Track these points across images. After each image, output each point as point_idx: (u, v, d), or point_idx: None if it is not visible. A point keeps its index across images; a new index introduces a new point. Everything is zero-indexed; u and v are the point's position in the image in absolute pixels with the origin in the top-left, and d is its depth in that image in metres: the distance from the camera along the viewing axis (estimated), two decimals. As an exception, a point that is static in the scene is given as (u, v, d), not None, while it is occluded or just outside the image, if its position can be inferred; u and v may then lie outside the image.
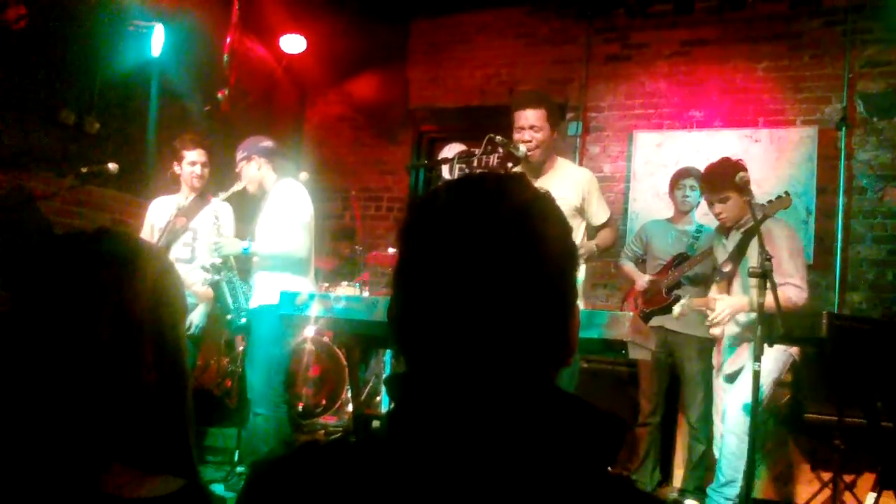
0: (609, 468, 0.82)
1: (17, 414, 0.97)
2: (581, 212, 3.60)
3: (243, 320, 4.11)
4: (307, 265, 4.00)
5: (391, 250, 5.94)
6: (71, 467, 0.96)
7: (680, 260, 4.52)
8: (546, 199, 0.89)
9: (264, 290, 3.91)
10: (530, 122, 3.49)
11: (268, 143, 4.11)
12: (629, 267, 4.80)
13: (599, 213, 3.68)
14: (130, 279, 1.05)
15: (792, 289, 3.53)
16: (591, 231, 3.75)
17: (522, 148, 3.45)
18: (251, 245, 3.95)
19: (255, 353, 3.96)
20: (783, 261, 3.59)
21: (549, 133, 3.54)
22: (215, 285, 4.07)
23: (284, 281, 3.82)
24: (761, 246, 3.36)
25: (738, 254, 3.78)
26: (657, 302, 4.52)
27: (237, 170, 4.11)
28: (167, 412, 1.06)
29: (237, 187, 4.11)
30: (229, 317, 4.10)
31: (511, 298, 0.81)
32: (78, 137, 5.03)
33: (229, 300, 4.09)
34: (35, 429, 0.96)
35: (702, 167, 5.49)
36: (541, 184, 3.46)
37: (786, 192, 4.00)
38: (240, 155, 4.08)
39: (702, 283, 4.53)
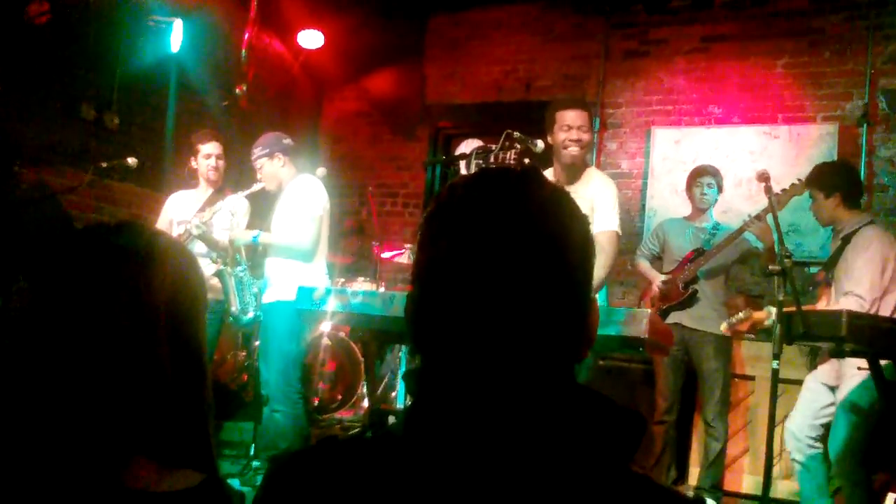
0: (629, 464, 0.82)
1: (37, 407, 0.98)
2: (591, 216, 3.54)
3: (249, 314, 4.13)
4: (314, 255, 4.05)
5: (408, 246, 5.95)
6: (92, 460, 0.96)
7: (696, 255, 4.49)
8: (564, 194, 0.89)
9: (275, 280, 4.01)
10: (578, 122, 3.45)
11: (289, 140, 4.17)
12: (645, 266, 4.76)
13: (598, 221, 3.44)
14: (149, 272, 1.05)
15: (853, 300, 3.42)
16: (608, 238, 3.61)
17: (540, 143, 3.43)
18: (261, 234, 4.04)
19: (271, 349, 3.99)
20: (854, 268, 3.50)
21: (591, 137, 3.54)
22: (220, 275, 4.09)
23: (292, 268, 3.92)
24: (780, 242, 3.34)
25: (833, 261, 3.72)
26: (674, 297, 4.49)
27: (257, 166, 4.13)
28: (186, 405, 1.06)
29: (257, 187, 4.14)
30: (233, 309, 4.11)
31: (531, 293, 0.81)
32: (98, 132, 5.08)
33: (233, 294, 4.10)
34: (54, 422, 0.97)
35: (720, 164, 5.48)
36: (573, 188, 3.43)
37: (798, 179, 4.00)
38: (260, 151, 4.11)
39: (721, 275, 4.49)
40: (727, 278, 4.58)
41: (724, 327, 3.78)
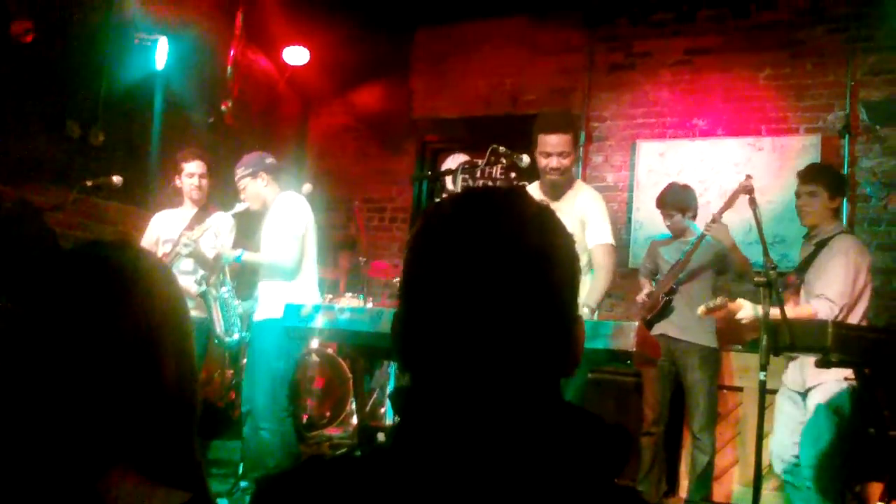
0: (616, 480, 0.82)
1: (18, 420, 0.97)
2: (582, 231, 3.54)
3: (234, 336, 4.13)
4: (298, 273, 4.04)
5: (396, 262, 5.94)
6: (68, 474, 0.96)
7: (675, 265, 4.50)
8: (549, 212, 0.89)
9: (265, 300, 4.00)
10: (559, 148, 3.46)
11: (272, 159, 4.18)
12: (642, 281, 4.79)
13: (592, 235, 3.50)
14: (142, 290, 1.05)
15: (824, 302, 3.42)
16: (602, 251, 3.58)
17: (526, 158, 3.45)
18: (244, 253, 4.05)
19: (258, 367, 3.98)
20: (828, 273, 3.50)
21: (575, 156, 3.55)
22: (203, 296, 4.08)
23: (282, 289, 3.91)
24: (765, 254, 3.35)
25: (805, 265, 3.71)
26: (653, 307, 4.51)
27: (240, 186, 4.14)
28: (176, 422, 1.05)
29: (241, 207, 4.14)
30: (218, 331, 4.11)
31: (517, 311, 0.82)
32: (83, 149, 5.05)
33: (217, 316, 4.09)
34: (34, 434, 0.97)
35: (704, 176, 5.50)
36: (559, 205, 3.45)
37: (749, 175, 3.94)
38: (243, 171, 4.11)
39: (702, 283, 4.45)
40: (713, 288, 4.58)
41: (701, 310, 3.73)
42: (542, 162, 3.49)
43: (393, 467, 0.81)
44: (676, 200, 4.59)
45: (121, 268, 1.06)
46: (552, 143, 3.47)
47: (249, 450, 4.04)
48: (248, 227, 4.50)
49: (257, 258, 4.07)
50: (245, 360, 4.65)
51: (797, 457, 3.57)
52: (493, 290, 0.81)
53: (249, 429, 3.94)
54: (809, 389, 3.53)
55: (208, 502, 1.05)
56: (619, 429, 0.83)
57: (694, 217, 4.63)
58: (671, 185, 4.74)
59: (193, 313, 4.22)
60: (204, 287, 4.05)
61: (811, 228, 3.76)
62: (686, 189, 4.68)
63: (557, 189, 3.55)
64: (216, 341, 4.19)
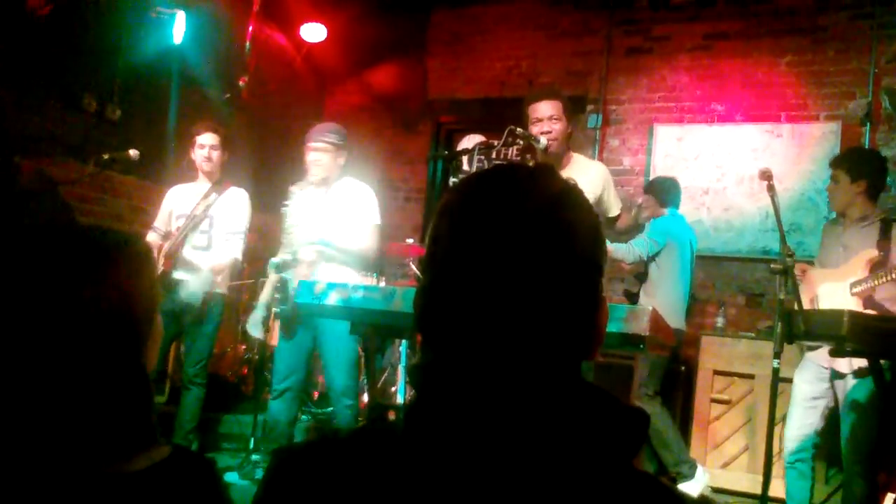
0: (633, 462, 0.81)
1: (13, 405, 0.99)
2: (598, 205, 3.56)
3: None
4: (372, 264, 4.13)
5: (409, 241, 5.94)
6: (74, 452, 0.98)
7: None
8: (576, 190, 0.89)
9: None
10: (548, 113, 3.44)
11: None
12: None
13: (613, 206, 3.63)
14: (133, 273, 1.09)
15: None
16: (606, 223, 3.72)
17: (543, 140, 3.42)
18: (324, 239, 3.94)
19: (339, 349, 3.92)
20: None
21: (566, 125, 3.51)
22: (281, 277, 3.94)
23: (348, 276, 3.92)
24: (783, 242, 3.32)
25: (884, 247, 3.59)
26: None
27: (315, 147, 4.02)
28: (143, 391, 1.09)
29: (313, 177, 4.03)
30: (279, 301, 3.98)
31: (542, 289, 0.81)
32: (99, 124, 5.06)
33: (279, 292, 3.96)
34: (27, 418, 0.98)
35: (721, 161, 5.45)
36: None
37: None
38: (330, 138, 4.03)
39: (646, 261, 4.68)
40: (651, 278, 4.73)
41: None
42: (534, 130, 3.46)
43: (411, 442, 0.81)
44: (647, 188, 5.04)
45: (115, 251, 1.08)
46: (541, 108, 3.47)
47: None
48: (258, 198, 4.48)
49: (340, 244, 3.95)
50: (257, 336, 4.57)
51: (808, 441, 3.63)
52: (518, 267, 0.81)
53: (342, 406, 3.95)
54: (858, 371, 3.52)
55: (186, 451, 1.09)
56: (637, 410, 0.82)
57: (663, 206, 4.87)
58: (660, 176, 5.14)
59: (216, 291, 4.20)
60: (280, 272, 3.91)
61: (841, 214, 3.74)
62: (658, 180, 5.08)
63: (555, 161, 3.48)
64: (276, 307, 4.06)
